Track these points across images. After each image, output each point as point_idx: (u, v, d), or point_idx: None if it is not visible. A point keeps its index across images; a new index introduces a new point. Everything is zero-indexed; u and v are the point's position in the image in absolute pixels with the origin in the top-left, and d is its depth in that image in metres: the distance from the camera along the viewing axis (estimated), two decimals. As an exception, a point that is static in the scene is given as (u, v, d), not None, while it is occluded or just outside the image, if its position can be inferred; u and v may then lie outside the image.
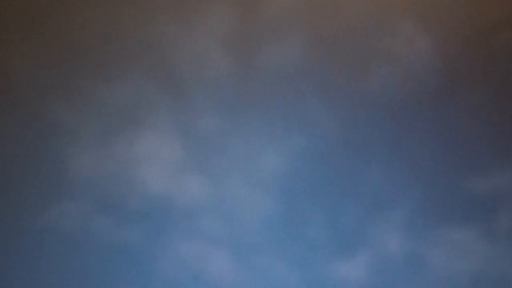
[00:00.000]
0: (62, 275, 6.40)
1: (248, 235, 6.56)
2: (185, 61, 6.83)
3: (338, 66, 6.88)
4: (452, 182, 6.68)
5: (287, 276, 6.49)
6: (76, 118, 6.67)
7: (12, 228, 6.44)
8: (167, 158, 6.67)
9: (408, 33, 6.96)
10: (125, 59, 6.79)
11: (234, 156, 6.70)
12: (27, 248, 6.43)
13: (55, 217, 6.50)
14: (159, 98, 6.76)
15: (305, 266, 6.52)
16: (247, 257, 6.52)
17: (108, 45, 6.79)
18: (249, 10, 6.90)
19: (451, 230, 6.57)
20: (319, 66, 6.87)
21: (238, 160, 6.69)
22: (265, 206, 6.62)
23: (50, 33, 6.79)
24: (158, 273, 6.45)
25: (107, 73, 6.76)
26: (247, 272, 6.49)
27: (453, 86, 6.91)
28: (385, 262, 6.52)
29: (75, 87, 6.71)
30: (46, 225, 6.47)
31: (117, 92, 6.75)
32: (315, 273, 6.50)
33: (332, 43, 6.91)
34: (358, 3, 6.96)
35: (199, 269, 6.49)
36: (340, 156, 6.73)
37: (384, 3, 6.97)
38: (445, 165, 6.73)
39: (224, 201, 6.62)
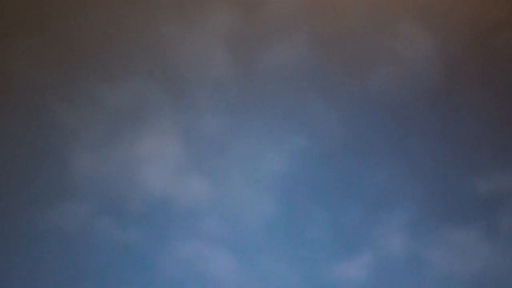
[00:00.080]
0: (63, 276, 6.38)
1: (250, 235, 6.55)
2: (187, 62, 6.80)
3: (340, 67, 6.88)
4: (454, 183, 6.69)
5: (288, 276, 6.49)
6: (77, 118, 6.64)
7: (13, 229, 6.41)
8: (168, 159, 6.65)
9: (409, 34, 6.96)
10: (127, 59, 6.76)
11: (236, 156, 6.69)
12: (28, 249, 6.40)
13: (57, 218, 6.47)
14: (161, 98, 6.74)
15: (307, 267, 6.52)
16: (248, 258, 6.51)
17: (109, 45, 6.77)
18: (251, 10, 6.89)
19: (452, 231, 6.59)
20: (321, 67, 6.87)
21: (240, 161, 6.68)
22: (267, 206, 6.62)
23: (51, 33, 6.75)
24: (160, 274, 6.44)
25: (108, 73, 6.73)
26: (248, 272, 6.48)
27: (453, 86, 6.92)
28: (387, 262, 6.53)
29: (76, 88, 6.68)
30: (48, 226, 6.44)
31: (119, 92, 6.73)
32: (317, 274, 6.50)
33: (333, 43, 6.91)
34: (359, 4, 6.96)
35: (200, 270, 6.48)
36: (341, 157, 6.72)
37: (385, 4, 6.97)
38: (446, 165, 6.74)
39: (226, 201, 6.61)
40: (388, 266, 6.53)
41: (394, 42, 6.94)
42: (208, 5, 6.87)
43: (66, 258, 6.42)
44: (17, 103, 6.65)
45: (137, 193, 6.56)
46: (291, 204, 6.65)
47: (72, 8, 6.79)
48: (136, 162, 6.62)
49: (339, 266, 6.52)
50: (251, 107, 6.79)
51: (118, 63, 6.75)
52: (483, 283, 6.48)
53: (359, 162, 6.74)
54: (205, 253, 6.49)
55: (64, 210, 6.49)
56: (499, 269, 6.50)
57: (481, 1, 7.04)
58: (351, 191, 6.68)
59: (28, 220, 6.44)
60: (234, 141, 6.72)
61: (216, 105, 6.77)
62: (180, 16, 6.83)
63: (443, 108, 6.87)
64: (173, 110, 6.72)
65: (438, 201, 6.67)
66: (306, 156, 6.73)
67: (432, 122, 6.84)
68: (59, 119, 6.63)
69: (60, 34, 6.77)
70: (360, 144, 6.77)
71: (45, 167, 6.55)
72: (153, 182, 6.59)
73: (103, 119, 6.67)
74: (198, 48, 6.84)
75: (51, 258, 6.39)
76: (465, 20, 7.02)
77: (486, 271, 6.50)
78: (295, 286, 6.48)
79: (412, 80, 6.91)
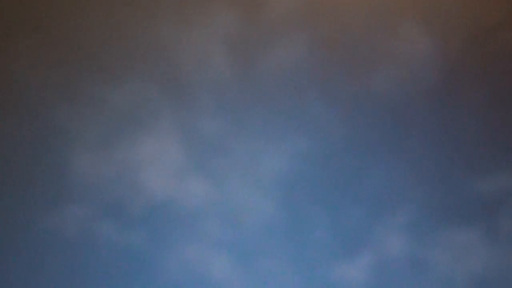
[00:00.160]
0: (64, 280, 6.38)
1: (251, 237, 6.56)
2: (187, 63, 6.79)
3: (340, 68, 6.87)
4: (454, 184, 6.70)
5: (290, 278, 6.50)
6: (77, 120, 6.63)
7: (12, 232, 6.41)
8: (169, 161, 6.65)
9: (409, 34, 6.95)
10: (127, 60, 6.75)
11: (237, 158, 6.69)
12: (28, 253, 6.40)
13: (57, 221, 6.47)
14: (161, 100, 6.73)
15: (308, 269, 6.52)
16: (250, 260, 6.52)
17: (109, 47, 6.75)
18: (251, 11, 6.87)
19: (453, 232, 6.60)
20: (321, 68, 6.86)
21: (240, 162, 6.68)
22: (268, 208, 6.62)
23: (51, 34, 6.73)
24: (161, 277, 6.44)
25: (108, 75, 6.72)
26: (250, 274, 6.49)
27: (453, 86, 6.92)
28: (388, 264, 6.54)
29: (76, 89, 6.67)
30: (48, 229, 6.44)
31: (119, 93, 6.71)
32: (318, 276, 6.51)
33: (334, 45, 6.90)
34: (359, 5, 6.95)
35: (202, 272, 6.48)
36: (342, 158, 6.73)
37: (385, 5, 6.96)
38: (447, 166, 6.75)
39: (227, 203, 6.61)
40: (388, 267, 6.54)
41: (394, 43, 6.93)
42: (208, 6, 6.85)
43: (66, 261, 6.42)
44: (17, 105, 6.63)
45: (138, 195, 6.56)
46: (292, 205, 6.66)
47: (72, 9, 6.78)
48: (137, 164, 6.62)
49: (339, 267, 6.53)
50: (251, 108, 6.79)
51: (118, 64, 6.74)
52: (483, 284, 6.50)
53: (359, 163, 6.75)
54: (206, 255, 6.50)
55: (64, 213, 6.49)
56: (500, 269, 6.51)
57: (481, 1, 7.03)
58: (351, 192, 6.68)
59: (27, 223, 6.44)
60: (235, 143, 6.71)
61: (217, 106, 6.76)
62: (181, 18, 6.81)
63: (443, 109, 6.88)
64: (173, 111, 6.72)
65: (438, 202, 6.68)
66: (306, 157, 6.74)
67: (432, 122, 6.84)
68: (59, 122, 6.62)
69: (60, 35, 6.76)
70: (361, 145, 6.78)
71: (44, 169, 6.54)
72: (154, 184, 6.59)
73: (104, 120, 6.66)
74: (199, 50, 6.83)
75: (51, 262, 6.39)
76: (465, 20, 7.02)
77: (486, 272, 6.52)
78: (295, 287, 6.49)
79: (412, 81, 6.91)
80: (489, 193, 6.68)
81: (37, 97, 6.66)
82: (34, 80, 6.69)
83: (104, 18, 6.78)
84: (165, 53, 6.79)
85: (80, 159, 6.58)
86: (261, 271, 6.50)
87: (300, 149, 6.74)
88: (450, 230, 6.61)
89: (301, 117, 6.79)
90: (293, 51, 6.87)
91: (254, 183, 6.65)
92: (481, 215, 6.64)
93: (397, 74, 6.89)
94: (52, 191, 6.53)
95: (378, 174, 6.72)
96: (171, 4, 6.83)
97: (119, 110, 6.70)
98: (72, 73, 6.73)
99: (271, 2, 6.91)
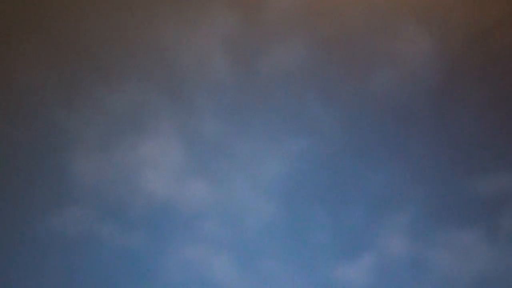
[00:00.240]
0: (65, 280, 6.38)
1: (252, 238, 6.56)
2: (187, 65, 6.79)
3: (341, 69, 6.87)
4: (455, 184, 6.70)
5: (291, 279, 6.49)
6: (78, 122, 6.63)
7: (15, 234, 6.40)
8: (169, 162, 6.64)
9: (409, 34, 6.95)
10: (127, 62, 6.74)
11: (237, 159, 6.68)
12: (30, 254, 6.39)
13: (58, 222, 6.46)
14: (161, 101, 6.72)
15: (309, 270, 6.52)
16: (251, 261, 6.52)
17: (110, 48, 6.74)
18: (251, 13, 6.87)
19: (454, 232, 6.60)
20: (322, 69, 6.86)
21: (241, 164, 6.67)
22: (268, 209, 6.62)
23: (51, 36, 6.73)
24: (162, 277, 6.44)
25: (109, 77, 6.71)
26: (251, 275, 6.49)
27: (453, 86, 6.92)
28: (389, 264, 6.54)
29: (77, 91, 6.66)
30: (50, 231, 6.43)
31: (119, 95, 6.71)
32: (319, 277, 6.51)
33: (334, 45, 6.90)
34: (360, 6, 6.94)
35: (203, 273, 6.48)
36: (343, 159, 6.72)
37: (385, 6, 6.96)
38: (447, 167, 6.75)
39: (227, 205, 6.61)
40: (389, 267, 6.54)
41: (394, 43, 6.93)
42: (208, 8, 6.84)
43: (67, 262, 6.41)
44: (17, 107, 6.62)
45: (139, 197, 6.56)
46: (293, 206, 6.66)
47: (72, 11, 6.77)
48: (137, 166, 6.61)
49: (341, 268, 6.53)
50: (251, 110, 6.78)
51: (119, 67, 6.73)
52: (484, 283, 6.50)
53: (359, 164, 6.75)
54: (207, 257, 6.49)
55: (65, 214, 6.48)
56: (500, 269, 6.52)
57: (481, 1, 7.03)
58: (352, 193, 6.68)
59: (29, 225, 6.43)
60: (235, 144, 6.71)
61: (216, 107, 6.76)
62: (181, 20, 6.80)
63: (443, 109, 6.87)
64: (174, 113, 6.71)
65: (439, 202, 6.68)
66: (307, 158, 6.73)
67: (432, 123, 6.84)
68: (60, 124, 6.62)
69: (61, 36, 6.75)
70: (361, 145, 6.78)
71: (45, 172, 6.54)
72: (155, 186, 6.58)
73: (104, 122, 6.66)
74: (198, 51, 6.82)
75: (52, 263, 6.39)
76: (465, 20, 7.02)
77: (487, 272, 6.52)
78: (296, 288, 6.50)
79: (412, 81, 6.90)
80: (489, 193, 6.68)
81: (37, 98, 6.65)
82: (34, 80, 6.68)
83: (104, 19, 6.78)
84: (166, 55, 6.79)
85: (81, 162, 6.58)
86: (262, 272, 6.50)
87: (300, 150, 6.74)
88: (450, 230, 6.61)
89: (301, 117, 6.78)
90: (293, 51, 6.87)
91: (255, 184, 6.65)
92: (481, 215, 6.64)
93: (397, 74, 6.89)
94: (53, 193, 6.52)
95: (378, 175, 6.72)
96: (171, 7, 6.82)
97: (119, 111, 6.70)
98: (72, 74, 6.72)
99: (271, 2, 6.90)
